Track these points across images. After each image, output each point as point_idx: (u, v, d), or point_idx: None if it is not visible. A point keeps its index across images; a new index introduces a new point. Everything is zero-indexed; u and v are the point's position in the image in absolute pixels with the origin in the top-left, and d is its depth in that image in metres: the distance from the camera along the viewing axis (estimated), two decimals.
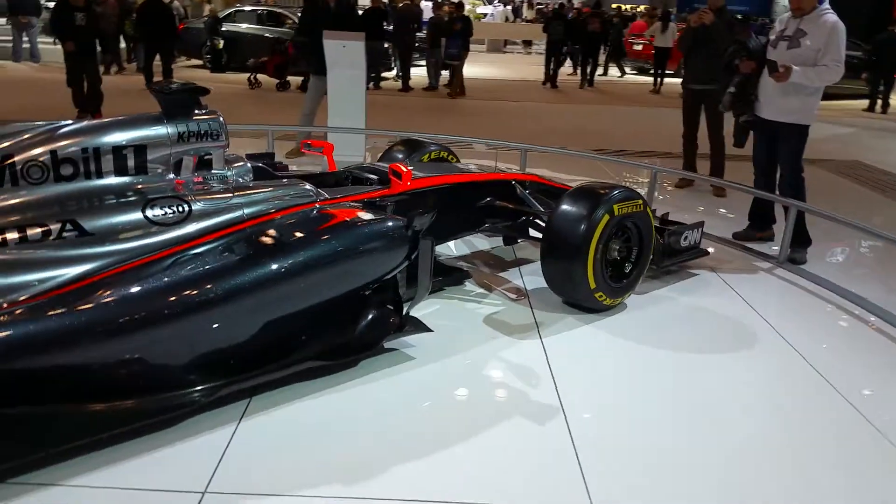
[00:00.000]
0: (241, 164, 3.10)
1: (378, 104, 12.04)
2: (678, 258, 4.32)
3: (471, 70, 17.81)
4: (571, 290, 3.69)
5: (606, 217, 3.57)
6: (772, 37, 4.77)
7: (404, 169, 3.41)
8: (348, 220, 2.95)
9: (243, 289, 2.63)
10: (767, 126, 4.77)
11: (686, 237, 4.37)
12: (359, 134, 6.79)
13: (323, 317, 2.90)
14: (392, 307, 3.11)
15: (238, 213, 2.86)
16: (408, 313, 3.14)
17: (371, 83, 13.77)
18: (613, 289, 3.76)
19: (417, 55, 15.21)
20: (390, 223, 3.00)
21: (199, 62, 15.35)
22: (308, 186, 3.12)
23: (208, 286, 2.58)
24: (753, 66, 4.76)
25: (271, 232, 2.82)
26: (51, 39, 16.00)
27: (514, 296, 3.98)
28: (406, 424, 2.72)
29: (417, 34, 15.17)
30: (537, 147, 6.42)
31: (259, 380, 2.71)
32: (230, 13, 16.25)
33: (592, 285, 3.62)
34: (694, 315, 3.89)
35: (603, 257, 3.63)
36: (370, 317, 3.04)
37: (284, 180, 3.16)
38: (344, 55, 6.55)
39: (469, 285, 4.08)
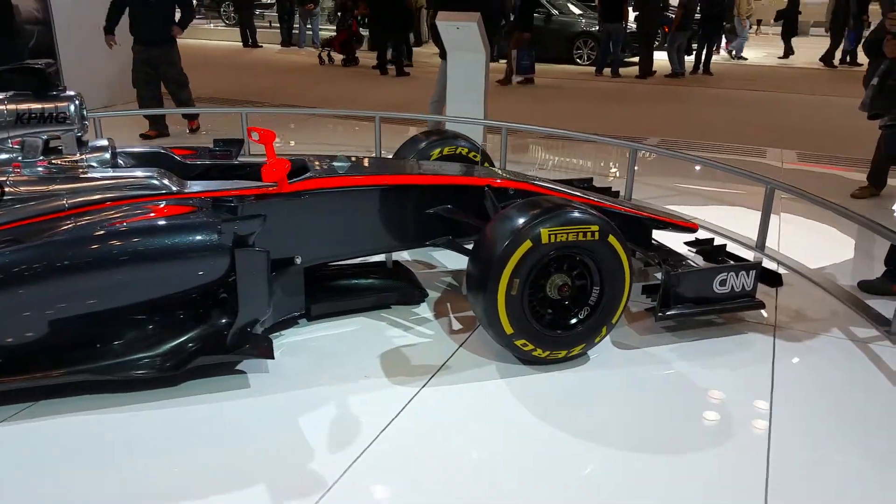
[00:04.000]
0: (103, 149, 2.92)
1: (591, 91, 11.21)
2: (698, 308, 3.18)
3: (752, 53, 15.81)
4: (489, 331, 2.90)
5: (528, 244, 2.72)
6: None
7: (283, 166, 2.89)
8: (153, 219, 2.61)
9: (22, 280, 2.47)
10: None
11: (723, 281, 3.20)
12: (476, 125, 6.26)
13: (118, 326, 2.63)
14: (215, 326, 2.71)
15: (59, 202, 2.69)
16: (237, 333, 2.70)
17: (610, 69, 12.87)
18: (548, 338, 2.87)
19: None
20: (200, 229, 2.60)
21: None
22: (165, 181, 2.82)
23: None
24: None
25: (70, 224, 2.60)
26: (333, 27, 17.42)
27: (459, 326, 3.28)
28: (157, 464, 2.33)
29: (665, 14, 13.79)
30: (644, 146, 5.29)
31: (35, 383, 2.54)
32: None
33: (508, 329, 2.80)
34: (661, 398, 2.79)
35: (524, 295, 2.78)
36: (183, 334, 2.69)
37: (142, 171, 2.88)
38: (459, 38, 6.04)
39: (424, 307, 3.46)
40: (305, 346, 3.06)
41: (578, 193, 3.60)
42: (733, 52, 16.01)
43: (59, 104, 2.78)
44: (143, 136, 6.83)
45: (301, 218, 3.04)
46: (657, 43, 13.82)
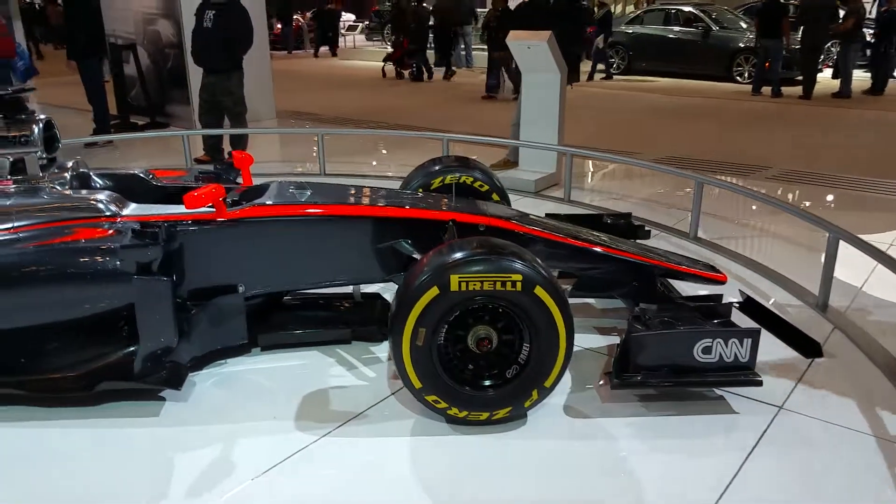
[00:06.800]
0: (65, 172, 3.04)
1: (738, 112, 10.24)
2: (666, 379, 2.66)
3: None
4: (403, 383, 2.63)
5: (434, 290, 2.42)
6: None
7: (215, 194, 2.79)
8: (55, 244, 2.64)
9: None
10: None
11: (707, 348, 2.66)
12: (549, 150, 5.90)
13: (40, 344, 2.70)
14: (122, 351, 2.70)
15: (9, 223, 2.81)
16: (144, 361, 2.66)
17: (770, 87, 11.70)
18: (465, 396, 2.54)
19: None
20: (97, 254, 2.59)
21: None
22: (112, 205, 2.85)
23: None
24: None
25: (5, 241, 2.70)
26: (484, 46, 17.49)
27: None
28: None
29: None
30: (711, 180, 4.62)
31: None
32: (638, 14, 15.70)
33: (416, 383, 2.52)
34: (584, 481, 2.36)
35: (432, 347, 2.49)
36: (100, 358, 2.71)
37: (93, 193, 2.94)
38: (531, 58, 5.71)
39: (384, 346, 3.23)
40: (238, 378, 2.96)
41: (566, 233, 3.22)
42: None
43: (23, 128, 2.93)
44: (196, 161, 6.70)
45: (243, 246, 2.96)
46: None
